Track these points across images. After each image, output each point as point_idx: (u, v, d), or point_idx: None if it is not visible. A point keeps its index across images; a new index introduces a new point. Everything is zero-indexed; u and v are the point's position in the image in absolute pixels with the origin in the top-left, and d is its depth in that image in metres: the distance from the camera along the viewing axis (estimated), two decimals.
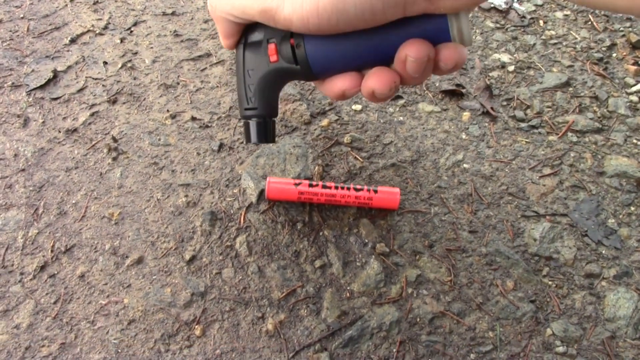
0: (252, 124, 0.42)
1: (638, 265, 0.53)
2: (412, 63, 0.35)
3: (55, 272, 0.50)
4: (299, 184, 0.53)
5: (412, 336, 0.48)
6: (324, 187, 0.53)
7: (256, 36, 0.40)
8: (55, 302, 0.49)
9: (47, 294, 0.49)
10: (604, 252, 0.54)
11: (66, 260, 0.51)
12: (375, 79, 0.36)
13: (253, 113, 0.41)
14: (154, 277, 0.50)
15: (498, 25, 0.75)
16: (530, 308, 0.50)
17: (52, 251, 0.52)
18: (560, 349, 0.48)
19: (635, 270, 0.52)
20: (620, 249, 0.54)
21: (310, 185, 0.53)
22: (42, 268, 0.51)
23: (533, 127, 0.63)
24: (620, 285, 0.52)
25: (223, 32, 0.40)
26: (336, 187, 0.53)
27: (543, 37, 0.74)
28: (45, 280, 0.50)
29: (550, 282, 0.52)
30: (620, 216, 0.56)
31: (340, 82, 0.39)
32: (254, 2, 0.34)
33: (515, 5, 0.78)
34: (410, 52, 0.34)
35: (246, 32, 0.40)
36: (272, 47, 0.40)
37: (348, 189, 0.53)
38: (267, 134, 0.43)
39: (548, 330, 0.49)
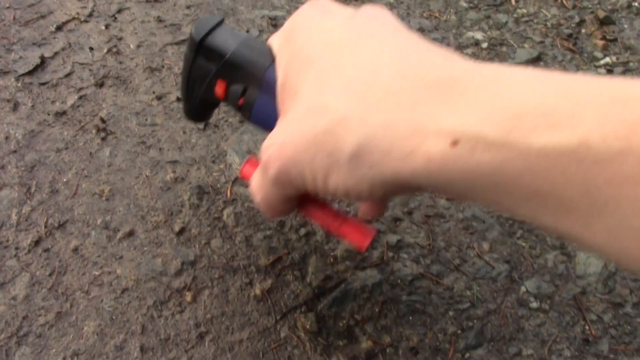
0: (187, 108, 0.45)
1: None
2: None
3: (50, 247, 0.52)
4: None
5: (394, 297, 0.51)
6: None
7: (206, 64, 0.39)
8: (50, 275, 0.51)
9: (42, 267, 0.51)
10: None
11: (60, 235, 0.53)
12: None
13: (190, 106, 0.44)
14: (145, 248, 0.52)
15: (472, 5, 0.78)
16: (505, 268, 0.53)
17: (45, 227, 0.53)
18: (534, 305, 0.51)
19: None
20: None
21: None
22: (37, 243, 0.52)
23: None
24: None
25: (282, 200, 0.36)
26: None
27: (515, 15, 0.76)
28: (40, 254, 0.52)
29: (524, 244, 0.54)
30: None
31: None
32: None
33: None
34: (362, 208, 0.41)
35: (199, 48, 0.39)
36: (221, 84, 0.39)
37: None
38: (195, 117, 0.47)
39: (522, 287, 0.52)
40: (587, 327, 0.50)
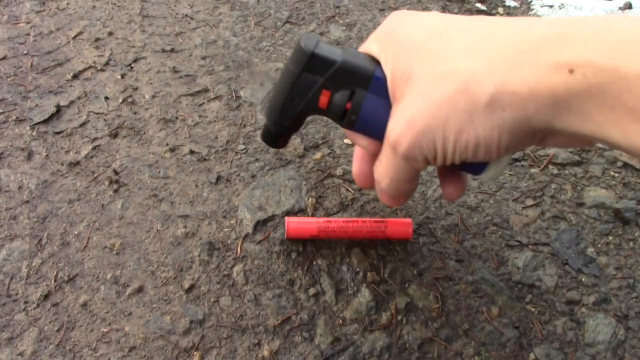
0: (270, 131, 0.46)
1: (616, 292, 0.56)
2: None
3: (59, 301, 0.52)
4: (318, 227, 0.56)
5: None
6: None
7: (311, 77, 0.41)
8: (58, 330, 0.51)
9: (50, 322, 0.51)
10: (583, 279, 0.56)
11: (69, 290, 0.53)
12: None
13: (277, 127, 0.45)
14: (154, 305, 0.52)
15: None
16: (514, 334, 0.53)
17: (55, 280, 0.54)
18: None
19: (613, 297, 0.55)
20: (599, 277, 0.57)
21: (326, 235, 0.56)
22: (46, 297, 0.53)
23: (516, 160, 0.66)
24: (599, 312, 0.54)
25: (411, 176, 0.41)
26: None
27: None
28: (49, 309, 0.52)
29: (533, 309, 0.54)
30: (599, 245, 0.59)
31: (363, 142, 0.44)
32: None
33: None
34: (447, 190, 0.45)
35: (309, 65, 0.41)
36: (326, 94, 0.41)
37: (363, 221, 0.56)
38: (276, 142, 0.47)
39: (531, 354, 0.51)
40: None
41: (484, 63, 0.32)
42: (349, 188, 0.62)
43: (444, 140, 0.35)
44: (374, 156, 0.44)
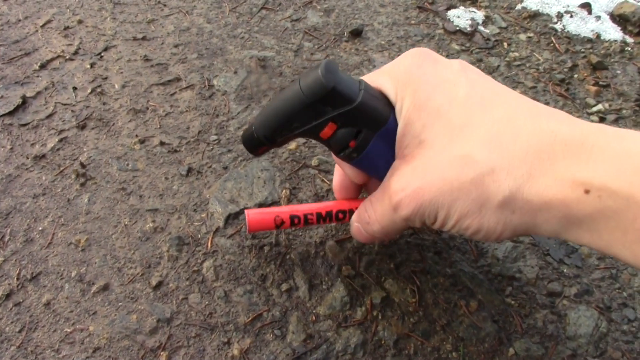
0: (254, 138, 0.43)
1: (598, 283, 0.54)
2: None
3: (21, 300, 0.50)
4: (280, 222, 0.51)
5: (377, 358, 0.49)
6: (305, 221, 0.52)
7: (321, 108, 0.39)
8: (20, 331, 0.49)
9: (12, 322, 0.49)
10: (565, 270, 0.55)
11: (32, 288, 0.51)
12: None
13: (264, 139, 0.43)
14: (119, 303, 0.50)
15: (463, 48, 0.77)
16: (493, 328, 0.51)
17: (17, 279, 0.52)
18: None
19: (596, 288, 0.54)
20: (581, 267, 0.55)
21: (292, 224, 0.51)
22: (8, 296, 0.51)
23: None
24: (581, 304, 0.53)
25: (402, 230, 0.42)
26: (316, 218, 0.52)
27: (507, 58, 0.75)
28: (11, 309, 0.50)
29: (512, 302, 0.53)
30: None
31: (352, 173, 0.46)
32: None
33: (480, 28, 0.80)
34: None
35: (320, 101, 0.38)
36: (331, 127, 0.40)
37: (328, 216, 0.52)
38: (256, 150, 0.45)
39: (511, 349, 0.50)
40: None
41: (504, 162, 0.33)
42: (324, 179, 0.60)
43: (446, 216, 0.36)
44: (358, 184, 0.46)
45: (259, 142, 0.43)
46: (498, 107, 0.35)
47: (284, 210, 0.51)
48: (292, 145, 0.63)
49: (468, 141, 0.34)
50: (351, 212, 0.51)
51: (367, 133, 0.39)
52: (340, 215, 0.51)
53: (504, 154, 0.33)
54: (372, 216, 0.42)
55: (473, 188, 0.33)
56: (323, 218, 0.50)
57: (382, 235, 0.43)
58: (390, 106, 0.40)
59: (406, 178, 0.37)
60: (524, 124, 0.33)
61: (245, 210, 0.51)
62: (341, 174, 0.49)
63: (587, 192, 0.29)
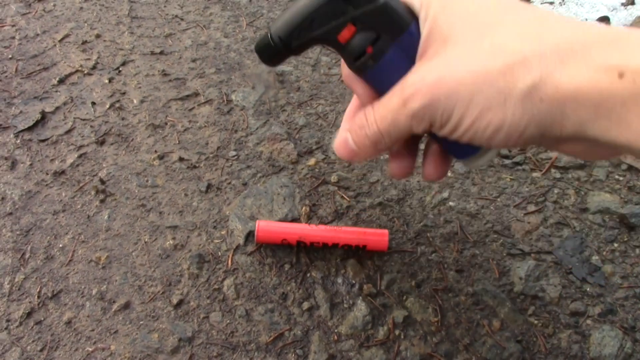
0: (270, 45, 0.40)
1: (622, 302, 0.53)
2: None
3: (42, 319, 0.50)
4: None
5: None
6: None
7: (343, 6, 0.37)
8: (41, 350, 0.49)
9: (33, 341, 0.49)
10: (588, 289, 0.54)
11: (53, 306, 0.51)
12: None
13: (280, 43, 0.40)
14: (141, 322, 0.50)
15: None
16: (516, 348, 0.50)
17: (38, 297, 0.52)
18: None
19: (620, 308, 0.53)
20: (605, 286, 0.54)
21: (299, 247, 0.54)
22: (29, 314, 0.51)
23: (517, 163, 0.64)
24: (605, 323, 0.52)
25: (403, 135, 0.37)
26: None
27: None
28: (32, 327, 0.50)
29: (536, 321, 0.52)
30: (604, 253, 0.57)
31: (362, 90, 0.41)
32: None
33: None
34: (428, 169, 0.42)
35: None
36: (350, 29, 0.38)
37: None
38: (272, 58, 0.42)
39: None
40: None
41: (536, 50, 0.31)
42: (344, 195, 0.60)
43: (463, 112, 0.33)
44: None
45: (274, 47, 0.41)
46: (529, 10, 0.34)
47: (294, 232, 0.54)
48: (311, 161, 0.63)
49: (500, 35, 0.33)
50: (357, 248, 0.54)
51: (385, 39, 0.37)
52: (346, 248, 0.54)
53: (535, 44, 0.31)
54: (370, 117, 0.38)
55: (501, 77, 0.31)
56: (329, 248, 0.53)
57: (372, 143, 0.39)
58: (412, 16, 0.38)
59: (425, 70, 0.34)
60: (556, 22, 0.33)
61: (257, 222, 0.54)
62: (354, 101, 0.45)
63: (621, 75, 0.28)
